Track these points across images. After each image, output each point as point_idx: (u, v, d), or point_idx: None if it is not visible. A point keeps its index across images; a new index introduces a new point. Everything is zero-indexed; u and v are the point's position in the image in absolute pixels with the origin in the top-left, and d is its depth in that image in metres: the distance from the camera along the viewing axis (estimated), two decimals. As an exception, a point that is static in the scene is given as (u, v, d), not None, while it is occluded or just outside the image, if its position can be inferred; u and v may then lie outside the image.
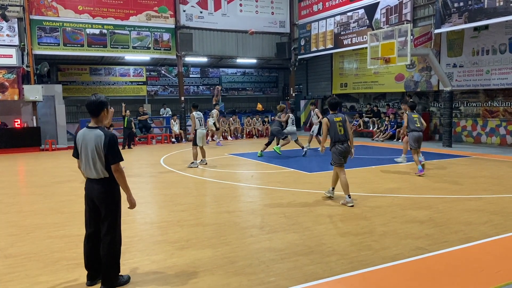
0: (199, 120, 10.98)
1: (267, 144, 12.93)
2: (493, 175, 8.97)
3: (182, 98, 19.64)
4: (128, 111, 16.64)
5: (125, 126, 16.63)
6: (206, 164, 11.25)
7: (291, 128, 12.88)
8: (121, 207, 3.90)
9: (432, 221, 5.63)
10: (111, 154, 3.70)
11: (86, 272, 3.91)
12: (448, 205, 6.46)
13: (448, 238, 4.92)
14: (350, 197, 6.64)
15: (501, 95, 14.55)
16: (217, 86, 19.25)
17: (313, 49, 20.10)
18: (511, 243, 4.81)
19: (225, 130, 19.99)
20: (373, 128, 18.50)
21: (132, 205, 3.89)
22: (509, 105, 14.32)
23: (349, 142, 6.78)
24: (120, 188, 3.86)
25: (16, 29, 16.16)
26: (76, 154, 3.92)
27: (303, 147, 12.95)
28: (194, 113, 11.01)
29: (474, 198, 6.91)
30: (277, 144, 12.96)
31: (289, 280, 3.87)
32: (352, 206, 6.54)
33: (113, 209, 3.81)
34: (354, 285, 3.80)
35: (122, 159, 3.76)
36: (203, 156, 11.34)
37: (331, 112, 6.92)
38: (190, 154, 14.38)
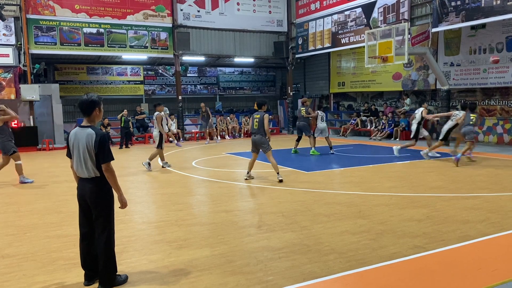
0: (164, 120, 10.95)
1: (298, 140, 13.14)
2: (491, 174, 8.99)
3: (180, 98, 19.62)
4: (125, 110, 16.61)
5: (122, 125, 16.59)
6: (148, 169, 10.51)
7: (321, 125, 12.84)
8: (114, 206, 3.89)
9: (430, 219, 5.64)
10: (101, 153, 3.69)
11: (83, 272, 3.90)
12: (445, 204, 6.47)
13: (445, 237, 4.93)
14: (248, 173, 8.88)
15: (498, 94, 14.59)
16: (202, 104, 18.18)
17: (311, 48, 20.11)
18: (508, 242, 4.82)
19: (222, 129, 20.03)
20: (370, 127, 18.51)
21: (123, 204, 3.88)
22: (506, 103, 14.36)
23: (266, 135, 8.60)
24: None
25: (13, 28, 16.09)
26: (69, 154, 3.90)
27: (331, 147, 12.96)
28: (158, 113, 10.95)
29: (472, 197, 6.92)
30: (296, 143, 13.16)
31: (287, 279, 3.86)
32: (252, 178, 8.80)
33: (105, 209, 3.80)
34: (352, 284, 3.81)
35: (112, 159, 3.76)
36: (150, 158, 10.67)
37: (257, 109, 8.75)
38: (187, 153, 14.41)
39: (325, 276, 3.92)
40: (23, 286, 3.86)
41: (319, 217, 5.88)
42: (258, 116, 8.61)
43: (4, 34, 15.97)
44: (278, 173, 8.58)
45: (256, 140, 8.69)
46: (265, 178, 9.14)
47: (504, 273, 3.88)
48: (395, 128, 16.96)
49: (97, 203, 3.76)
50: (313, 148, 12.81)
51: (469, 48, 14.92)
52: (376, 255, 4.40)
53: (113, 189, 3.85)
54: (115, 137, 18.13)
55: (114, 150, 15.70)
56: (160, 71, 22.39)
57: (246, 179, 8.90)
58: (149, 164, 10.56)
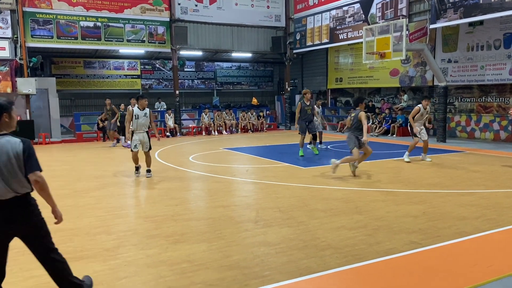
0: (136, 116, 8.68)
1: (314, 138, 12.32)
2: (487, 170, 9.03)
3: (177, 92, 19.56)
4: (122, 104, 16.54)
5: (118, 119, 16.51)
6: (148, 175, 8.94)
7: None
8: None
9: (426, 215, 5.67)
10: (29, 161, 3.03)
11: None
12: (441, 200, 6.50)
13: (441, 233, 4.95)
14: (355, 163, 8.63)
15: (495, 91, 14.62)
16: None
17: (309, 43, 20.06)
18: (504, 238, 4.85)
19: (219, 124, 20.02)
20: (368, 123, 18.50)
21: (60, 218, 3.32)
22: (503, 100, 14.40)
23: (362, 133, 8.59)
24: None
25: (9, 21, 15.97)
26: None
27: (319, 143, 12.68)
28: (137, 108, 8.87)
29: (468, 193, 6.95)
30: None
31: (284, 274, 3.87)
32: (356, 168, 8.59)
33: (44, 225, 3.25)
34: (348, 279, 3.82)
35: (41, 169, 3.11)
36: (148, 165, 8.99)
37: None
38: (184, 148, 14.40)
39: (322, 271, 3.93)
40: (20, 280, 3.86)
41: (316, 213, 5.89)
42: (353, 114, 8.82)
43: (0, 27, 15.85)
44: (353, 163, 8.58)
45: (348, 137, 8.76)
46: (260, 173, 9.15)
47: (499, 269, 3.90)
48: (392, 124, 16.99)
49: (35, 224, 3.17)
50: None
51: (466, 45, 14.93)
52: (372, 250, 4.42)
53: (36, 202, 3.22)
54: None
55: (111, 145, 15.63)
56: (157, 65, 22.31)
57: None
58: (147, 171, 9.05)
